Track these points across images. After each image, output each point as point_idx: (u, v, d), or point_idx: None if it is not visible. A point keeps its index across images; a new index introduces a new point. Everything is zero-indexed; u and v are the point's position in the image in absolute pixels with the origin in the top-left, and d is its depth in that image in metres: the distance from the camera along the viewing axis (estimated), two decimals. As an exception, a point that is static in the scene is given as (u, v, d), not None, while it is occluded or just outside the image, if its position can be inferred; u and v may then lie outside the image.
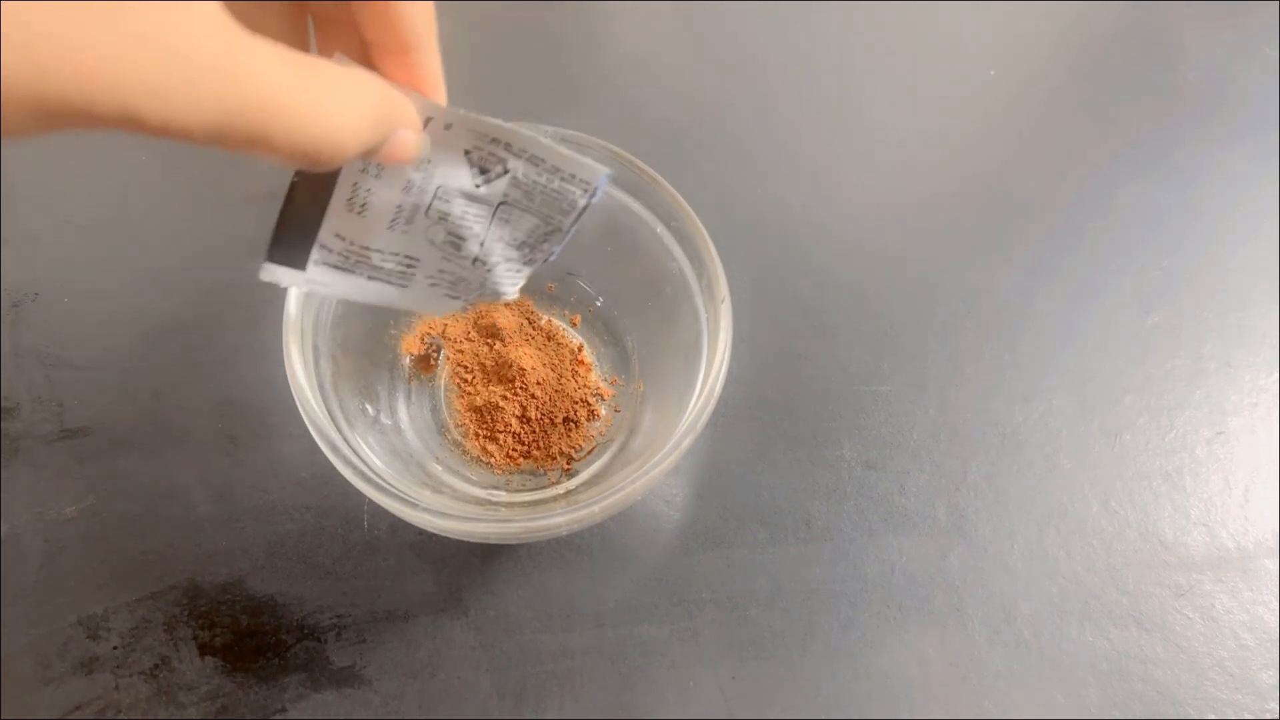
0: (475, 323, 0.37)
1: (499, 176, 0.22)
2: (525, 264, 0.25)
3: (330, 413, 0.29)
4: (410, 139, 0.19)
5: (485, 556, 0.35)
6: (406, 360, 0.36)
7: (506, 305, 0.38)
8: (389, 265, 0.23)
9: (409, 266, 0.24)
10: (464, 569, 0.34)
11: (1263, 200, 0.49)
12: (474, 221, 0.23)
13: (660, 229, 0.32)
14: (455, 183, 0.22)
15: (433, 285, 0.25)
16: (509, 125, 0.21)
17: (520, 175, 0.22)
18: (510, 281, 0.25)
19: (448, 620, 0.33)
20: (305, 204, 0.21)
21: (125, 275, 0.40)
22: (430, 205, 0.22)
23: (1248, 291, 0.46)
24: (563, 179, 0.22)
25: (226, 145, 0.15)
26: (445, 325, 0.37)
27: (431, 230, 0.23)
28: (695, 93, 0.50)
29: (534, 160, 0.22)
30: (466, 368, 0.36)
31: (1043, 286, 0.44)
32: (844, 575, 0.36)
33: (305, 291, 0.23)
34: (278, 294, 0.29)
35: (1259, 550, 0.38)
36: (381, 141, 0.19)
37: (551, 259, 0.24)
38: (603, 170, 0.22)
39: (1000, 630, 0.35)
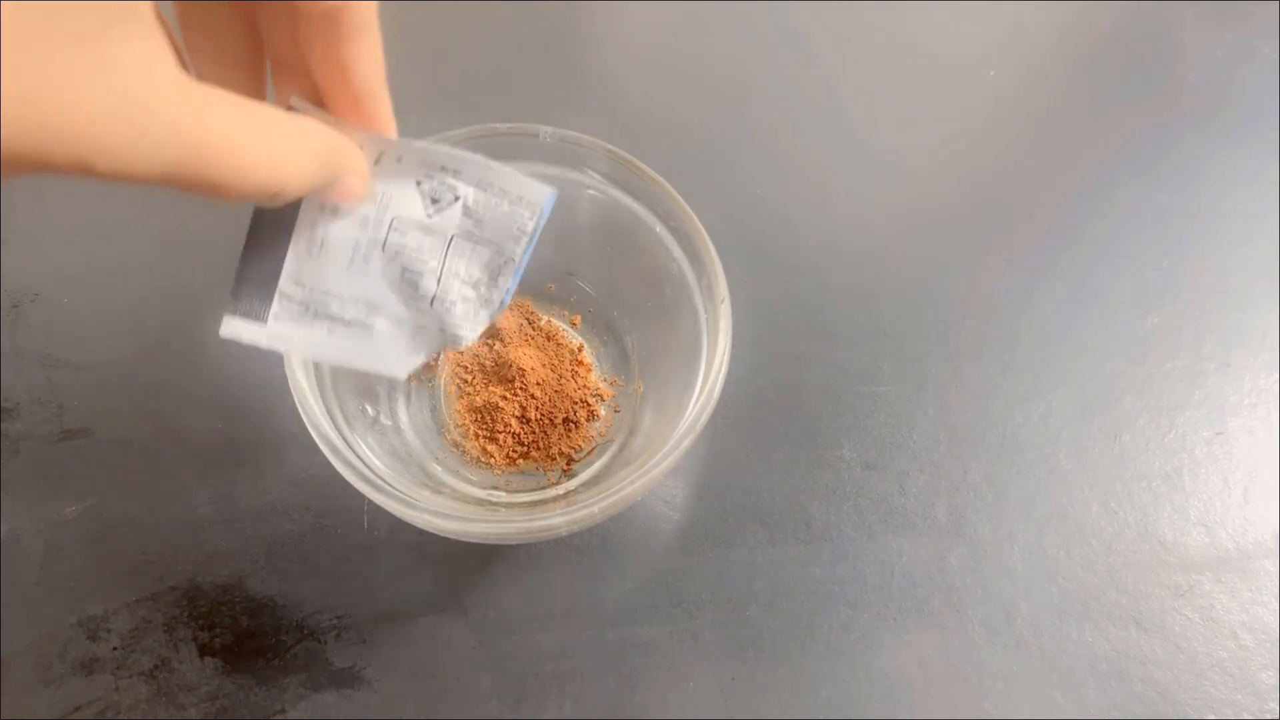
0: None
1: (450, 204, 0.23)
2: (483, 304, 0.25)
3: (330, 413, 0.29)
4: (354, 184, 0.21)
5: (485, 557, 0.35)
6: (406, 361, 0.36)
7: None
8: (349, 313, 0.23)
9: (369, 313, 0.24)
10: (464, 569, 0.34)
11: (1263, 200, 0.49)
12: (429, 255, 0.23)
13: (660, 229, 0.32)
14: (409, 213, 0.22)
15: (393, 339, 0.24)
16: (456, 151, 0.22)
17: (470, 202, 0.23)
18: (469, 324, 0.25)
19: (448, 621, 0.33)
20: (265, 249, 0.22)
21: (125, 276, 0.40)
22: (386, 239, 0.23)
23: (1247, 292, 0.46)
24: (510, 202, 0.23)
25: (176, 187, 0.15)
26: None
27: (388, 268, 0.23)
28: (695, 92, 0.50)
29: (482, 185, 0.22)
30: (466, 368, 0.36)
31: (1042, 287, 0.44)
32: (843, 576, 0.36)
33: (265, 348, 0.23)
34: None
35: (1258, 550, 0.38)
36: (329, 181, 0.20)
37: (505, 299, 0.24)
38: (548, 191, 0.23)
39: (1000, 631, 0.35)
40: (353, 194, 0.21)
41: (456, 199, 0.22)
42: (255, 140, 0.16)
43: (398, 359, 0.25)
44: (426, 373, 0.37)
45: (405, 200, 0.22)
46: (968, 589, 0.36)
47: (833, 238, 0.45)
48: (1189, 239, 0.47)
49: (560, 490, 0.35)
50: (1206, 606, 0.36)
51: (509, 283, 0.24)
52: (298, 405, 0.27)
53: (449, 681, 0.32)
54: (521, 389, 0.35)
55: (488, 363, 0.36)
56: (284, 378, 0.28)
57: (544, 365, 0.36)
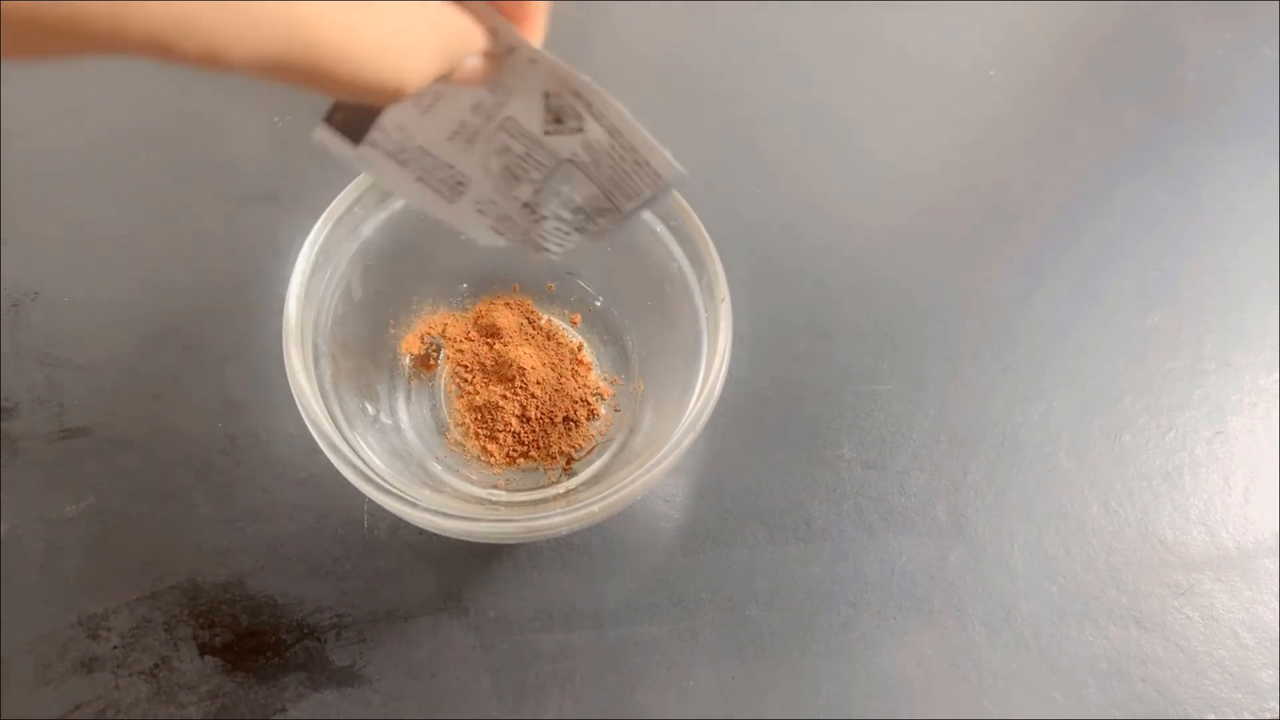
0: (475, 322, 0.37)
1: (572, 131, 0.21)
2: (576, 230, 0.23)
3: (330, 412, 0.29)
4: (476, 68, 0.18)
5: (485, 556, 0.35)
6: (406, 360, 0.36)
7: (506, 305, 0.38)
8: (440, 174, 0.22)
9: (459, 184, 0.23)
10: (464, 569, 0.34)
11: (1263, 200, 0.49)
12: (533, 167, 0.22)
13: (660, 228, 0.32)
14: (526, 120, 0.20)
15: (479, 213, 0.23)
16: (596, 86, 0.20)
17: (593, 139, 0.21)
18: (556, 242, 0.24)
19: (448, 620, 0.33)
20: None
21: (125, 275, 0.40)
22: (495, 134, 0.21)
23: (1247, 292, 0.46)
24: (636, 162, 0.21)
25: (276, 79, 0.14)
26: (445, 325, 0.37)
27: (490, 158, 0.22)
28: (695, 92, 0.50)
29: (612, 131, 0.20)
30: (466, 367, 0.36)
31: (1042, 286, 0.44)
32: (844, 575, 0.36)
33: (354, 167, 0.22)
34: (278, 294, 0.29)
35: (1259, 550, 0.38)
36: (450, 68, 0.17)
37: (603, 238, 0.23)
38: (678, 170, 0.21)
39: (1000, 630, 0.35)
40: (472, 79, 0.19)
41: (580, 130, 0.20)
42: (371, 28, 0.14)
43: (480, 230, 0.24)
44: (426, 372, 0.37)
45: (526, 104, 0.20)
46: (968, 588, 0.36)
47: (833, 237, 0.45)
48: (1189, 239, 0.47)
49: (560, 489, 0.35)
50: (1207, 605, 0.36)
51: (608, 226, 0.23)
52: (298, 405, 0.27)
53: (449, 680, 0.32)
54: (522, 388, 0.35)
55: (488, 362, 0.36)
56: (284, 378, 0.28)
57: (544, 364, 0.36)
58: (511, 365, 0.35)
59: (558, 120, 0.20)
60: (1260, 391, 0.42)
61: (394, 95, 0.16)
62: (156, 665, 0.32)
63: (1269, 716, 0.34)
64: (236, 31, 0.12)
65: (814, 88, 0.52)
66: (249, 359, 0.38)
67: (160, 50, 0.12)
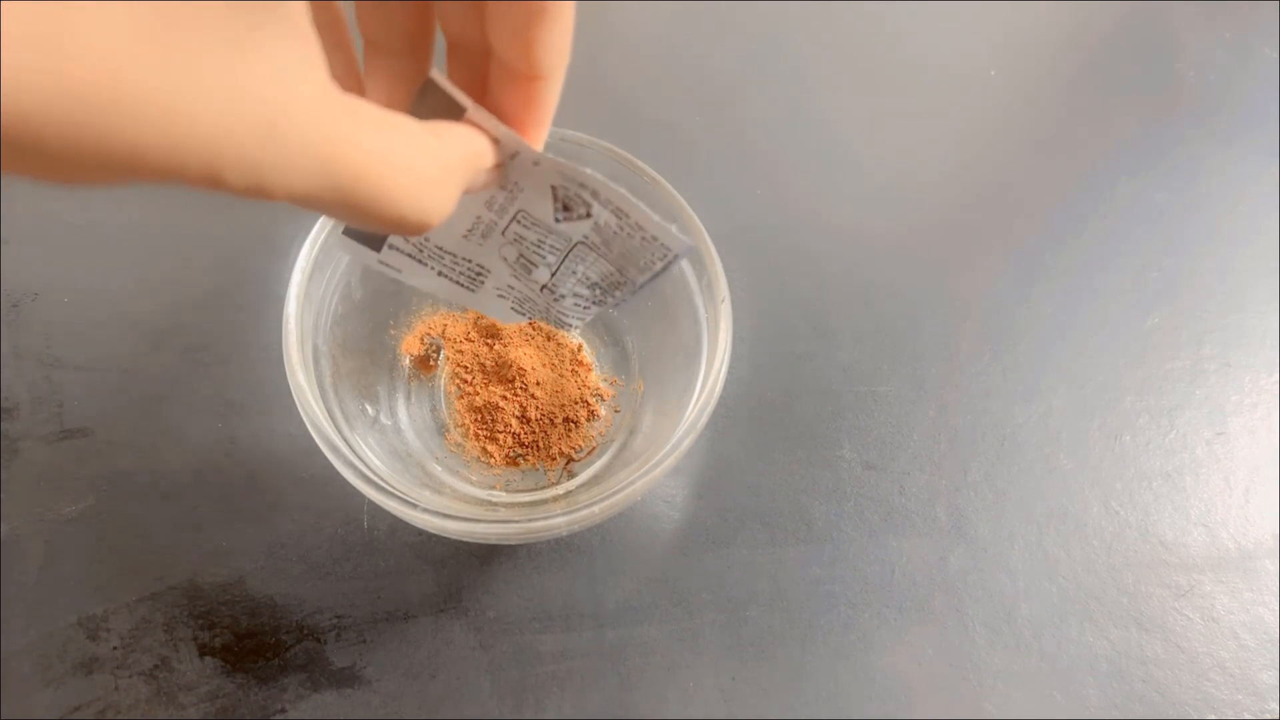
0: (475, 323, 0.37)
1: (581, 218, 0.22)
2: (593, 304, 0.25)
3: (330, 413, 0.29)
4: (485, 180, 0.19)
5: (485, 557, 0.35)
6: (406, 361, 0.36)
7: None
8: (459, 269, 0.24)
9: (479, 275, 0.24)
10: (464, 569, 0.34)
11: (1263, 200, 0.49)
12: (548, 252, 0.23)
13: (660, 229, 0.32)
14: (536, 211, 0.22)
15: (500, 297, 0.25)
16: (599, 176, 0.21)
17: (602, 223, 0.22)
18: (576, 315, 0.25)
19: (447, 621, 0.33)
20: None
21: (125, 276, 0.40)
22: (508, 226, 0.22)
23: (1247, 292, 0.46)
24: (644, 239, 0.22)
25: (316, 209, 0.14)
26: (445, 326, 0.37)
27: (505, 249, 0.23)
28: (695, 92, 0.50)
29: (619, 213, 0.21)
30: (466, 368, 0.36)
31: (1042, 287, 0.44)
32: (844, 576, 0.36)
33: (376, 270, 0.23)
34: (277, 294, 0.29)
35: (1259, 550, 0.38)
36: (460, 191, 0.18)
37: (616, 308, 0.24)
38: (685, 242, 0.22)
39: (1000, 631, 0.35)
40: (483, 187, 0.20)
41: (589, 215, 0.22)
42: (403, 163, 0.15)
43: (502, 311, 0.25)
44: (426, 372, 0.37)
45: (536, 197, 0.21)
46: (968, 589, 0.36)
47: (833, 238, 0.45)
48: (1189, 239, 0.47)
49: (560, 490, 0.35)
50: (1207, 606, 0.36)
51: (624, 297, 0.24)
52: (298, 405, 0.27)
53: (449, 681, 0.32)
54: (522, 389, 0.35)
55: (488, 362, 0.36)
56: (284, 378, 0.28)
57: (544, 365, 0.36)
58: (511, 366, 0.35)
59: (567, 209, 0.21)
60: (1261, 392, 0.42)
61: (421, 229, 0.16)
62: (156, 666, 0.32)
63: (1269, 717, 0.34)
64: (284, 166, 0.13)
65: (814, 88, 0.52)
66: (249, 359, 0.38)
67: (214, 183, 0.12)
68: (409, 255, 0.23)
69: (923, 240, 0.46)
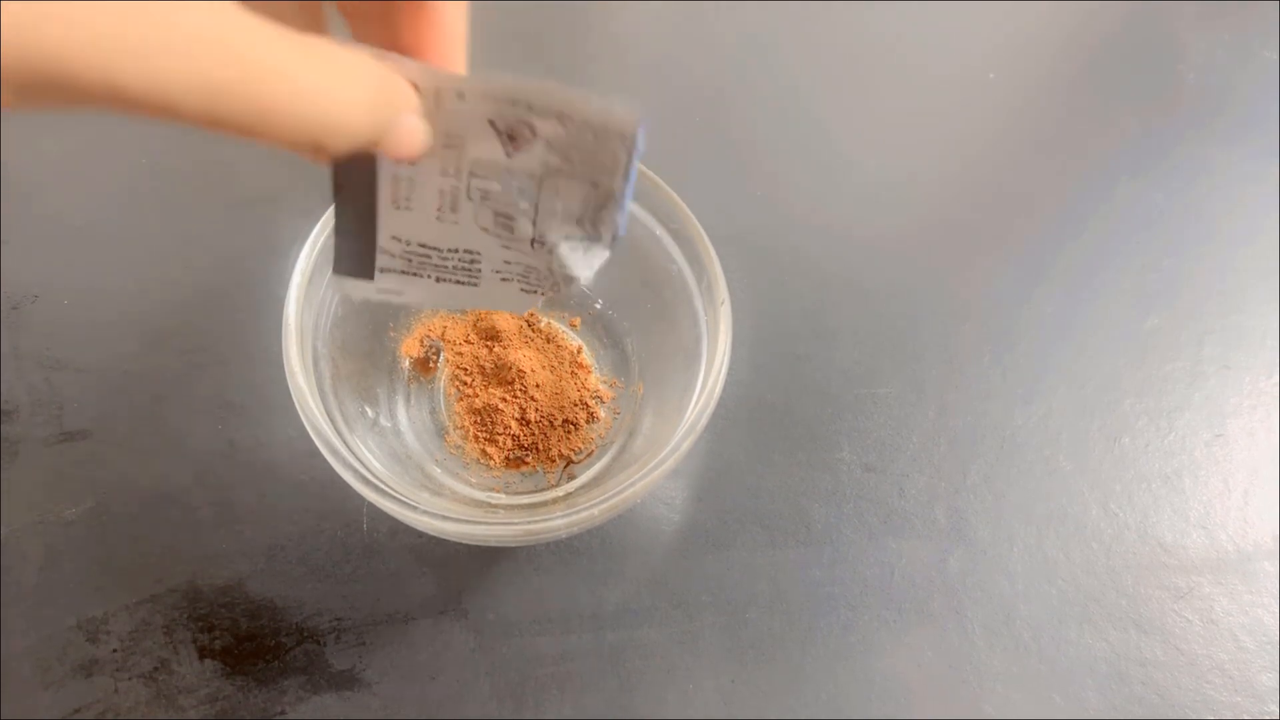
0: (475, 325, 0.37)
1: (529, 141, 0.20)
2: (590, 241, 0.23)
3: (330, 415, 0.29)
4: (414, 125, 0.18)
5: (485, 559, 0.35)
6: (406, 363, 0.36)
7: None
8: (451, 264, 0.23)
9: (472, 262, 0.23)
10: (463, 572, 0.34)
11: (1263, 200, 0.49)
12: (519, 196, 0.21)
13: (659, 231, 0.32)
14: (488, 155, 0.20)
15: (504, 280, 0.24)
16: (521, 81, 0.19)
17: (551, 137, 0.20)
18: (579, 263, 0.23)
19: (447, 623, 0.33)
20: (353, 211, 0.21)
21: (125, 277, 0.40)
22: (469, 185, 0.21)
23: (1247, 293, 0.46)
24: (595, 135, 0.20)
25: (219, 126, 0.14)
26: (445, 328, 0.37)
27: (479, 214, 0.22)
28: (695, 93, 0.50)
29: (561, 118, 0.20)
30: (466, 370, 0.36)
31: (1041, 288, 0.44)
32: (843, 578, 0.36)
33: (377, 300, 0.22)
34: (277, 296, 0.29)
35: (1258, 553, 0.38)
36: (383, 128, 0.18)
37: (620, 233, 0.22)
38: (634, 115, 0.20)
39: (999, 633, 0.35)
40: (413, 139, 0.19)
41: (535, 135, 0.20)
42: (308, 70, 0.15)
43: (512, 297, 0.24)
44: (426, 375, 0.37)
45: (480, 141, 0.20)
46: (967, 591, 0.36)
47: (832, 240, 0.45)
48: (1189, 240, 0.47)
49: (560, 492, 0.35)
50: (1206, 609, 0.36)
51: (615, 216, 0.22)
52: (297, 407, 0.27)
53: (448, 684, 0.32)
54: (521, 391, 0.35)
55: (487, 364, 0.36)
56: (283, 380, 0.28)
57: (544, 367, 0.36)
58: (511, 368, 0.35)
59: (513, 138, 0.20)
60: (1260, 394, 0.42)
61: (331, 142, 0.16)
62: (156, 668, 0.32)
63: (1269, 718, 0.34)
64: (181, 71, 0.13)
65: (814, 89, 0.52)
66: (249, 361, 0.38)
67: (114, 96, 0.13)
68: (401, 271, 0.22)
69: (922, 242, 0.46)
